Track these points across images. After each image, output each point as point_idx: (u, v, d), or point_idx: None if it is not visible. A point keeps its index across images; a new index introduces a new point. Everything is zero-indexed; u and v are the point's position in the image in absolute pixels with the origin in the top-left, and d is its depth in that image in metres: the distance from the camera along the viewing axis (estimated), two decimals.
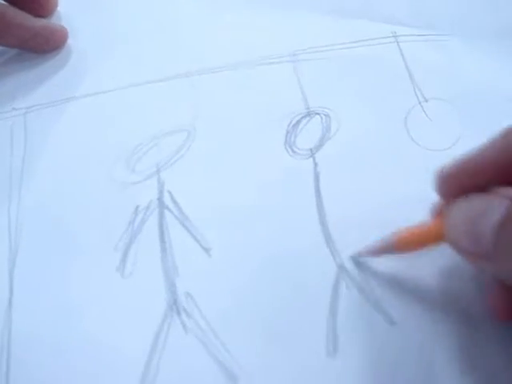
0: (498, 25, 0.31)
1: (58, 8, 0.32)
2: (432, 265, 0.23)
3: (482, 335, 0.21)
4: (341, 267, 0.23)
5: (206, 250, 0.24)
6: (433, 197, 0.22)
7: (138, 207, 0.25)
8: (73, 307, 0.23)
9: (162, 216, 0.25)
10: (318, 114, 0.28)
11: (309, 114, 0.28)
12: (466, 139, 0.27)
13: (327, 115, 0.28)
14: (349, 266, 0.23)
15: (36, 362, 0.22)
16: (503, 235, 0.16)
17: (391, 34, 0.31)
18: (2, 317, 0.23)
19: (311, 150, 0.27)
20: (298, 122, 0.28)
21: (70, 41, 0.31)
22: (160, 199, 0.25)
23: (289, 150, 0.27)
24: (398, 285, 0.23)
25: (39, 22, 0.29)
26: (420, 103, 0.28)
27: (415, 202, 0.24)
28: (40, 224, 0.25)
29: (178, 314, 0.22)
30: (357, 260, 0.23)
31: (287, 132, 0.27)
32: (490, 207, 0.17)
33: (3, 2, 0.29)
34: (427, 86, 0.29)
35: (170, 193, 0.25)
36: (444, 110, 0.28)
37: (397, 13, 0.32)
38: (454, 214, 0.19)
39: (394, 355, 0.22)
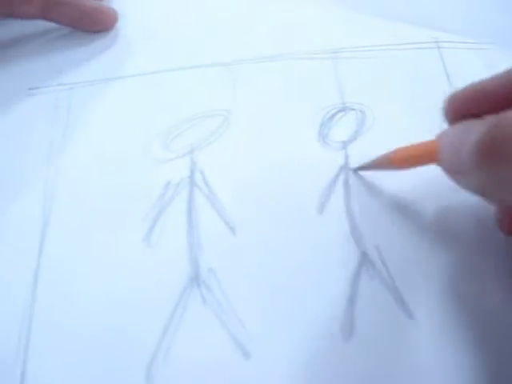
0: None
1: None
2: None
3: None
4: (364, 255, 0.24)
5: (232, 229, 0.25)
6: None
7: (169, 183, 0.26)
8: (99, 271, 0.24)
9: (191, 193, 0.26)
10: (353, 109, 0.29)
11: (344, 108, 0.29)
12: None
13: (362, 111, 0.28)
14: (372, 254, 0.24)
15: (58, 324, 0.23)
16: (479, 152, 0.17)
17: (433, 40, 0.31)
18: (28, 281, 0.24)
19: (344, 142, 0.27)
20: (334, 115, 0.28)
21: (119, 23, 0.32)
22: (191, 177, 0.26)
23: (321, 140, 0.27)
24: (421, 276, 0.23)
25: (90, 3, 0.30)
26: None
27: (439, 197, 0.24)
28: (75, 194, 0.26)
29: (199, 286, 0.23)
30: (357, 173, 0.26)
31: (321, 124, 0.28)
32: (473, 128, 0.18)
33: None
34: None
35: (201, 172, 0.26)
36: None
37: (439, 19, 0.32)
38: (446, 135, 0.21)
39: (408, 348, 0.22)
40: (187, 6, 0.33)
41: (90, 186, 0.26)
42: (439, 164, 0.21)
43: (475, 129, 0.18)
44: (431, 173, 0.24)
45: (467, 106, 0.21)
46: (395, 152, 0.24)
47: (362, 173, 0.26)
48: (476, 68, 0.30)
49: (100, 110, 0.29)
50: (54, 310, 0.23)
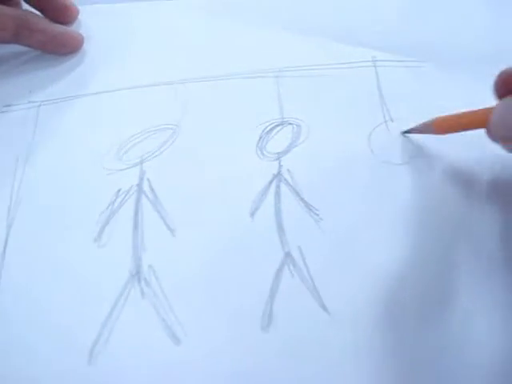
0: (474, 54, 0.35)
1: (80, 17, 0.37)
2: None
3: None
4: (287, 254, 0.27)
5: (172, 231, 0.28)
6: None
7: (119, 190, 0.30)
8: (55, 267, 0.27)
9: (138, 199, 0.29)
10: (290, 123, 0.32)
11: (282, 123, 0.32)
12: (423, 157, 0.30)
13: (298, 125, 0.32)
14: (295, 254, 0.27)
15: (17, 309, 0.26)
16: None
17: (371, 59, 0.35)
18: None
19: (278, 154, 0.31)
20: (272, 129, 0.32)
21: (85, 46, 0.36)
22: (139, 185, 0.30)
23: (258, 152, 0.31)
24: (338, 274, 0.26)
25: (58, 29, 0.34)
26: (386, 122, 0.32)
27: (368, 208, 0.28)
28: (37, 201, 0.30)
29: (139, 281, 0.27)
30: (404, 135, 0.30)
31: (260, 137, 0.31)
32: None
33: (31, 10, 0.35)
34: (395, 107, 0.33)
35: (148, 180, 0.30)
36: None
37: (378, 39, 0.36)
38: (500, 106, 0.24)
39: (322, 340, 0.25)
40: (146, 31, 0.37)
41: (51, 194, 0.30)
42: (489, 132, 0.25)
43: None
44: (360, 182, 0.28)
45: None
46: (442, 118, 0.28)
47: (299, 181, 0.29)
48: (408, 85, 0.34)
49: (63, 126, 0.33)
50: (16, 300, 0.26)
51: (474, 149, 0.29)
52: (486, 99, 0.32)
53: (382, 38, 0.36)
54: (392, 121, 0.32)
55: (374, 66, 0.35)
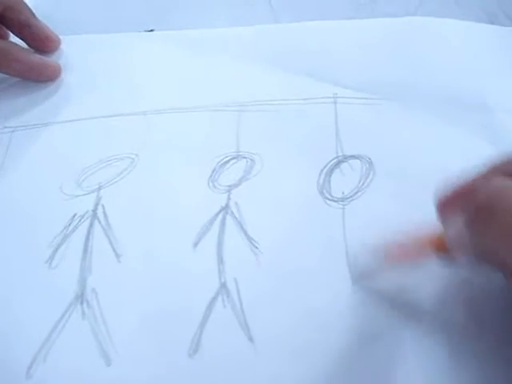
0: (431, 94, 0.37)
1: (62, 46, 0.40)
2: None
3: None
4: (223, 285, 0.29)
5: (118, 256, 0.31)
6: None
7: (75, 215, 0.32)
8: (6, 284, 0.30)
9: (92, 224, 0.32)
10: (244, 157, 0.34)
11: (237, 156, 0.35)
12: (369, 194, 0.32)
13: (252, 160, 0.34)
14: (230, 286, 0.29)
15: None
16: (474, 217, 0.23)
17: (332, 95, 0.37)
18: None
19: (229, 186, 0.33)
20: (226, 162, 0.34)
21: (63, 74, 0.39)
22: (94, 210, 0.33)
23: (210, 184, 0.33)
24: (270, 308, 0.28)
25: (36, 59, 0.38)
26: (337, 158, 0.34)
27: (307, 247, 0.30)
28: None
29: (82, 303, 0.29)
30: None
31: (214, 169, 0.34)
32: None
33: (10, 41, 0.38)
34: (350, 144, 0.35)
35: (103, 206, 0.33)
36: (358, 167, 0.34)
37: (341, 76, 0.38)
38: (449, 225, 0.25)
39: (246, 368, 0.27)
40: (120, 62, 0.40)
41: (12, 215, 0.33)
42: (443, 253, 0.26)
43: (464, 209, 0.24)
44: (304, 220, 0.30)
45: (456, 201, 0.26)
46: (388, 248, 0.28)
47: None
48: (365, 120, 0.36)
49: (32, 152, 0.36)
50: None
51: None
52: (439, 139, 0.34)
53: (344, 75, 0.38)
54: (344, 158, 0.34)
55: (334, 103, 0.37)
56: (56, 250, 0.31)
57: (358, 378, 0.26)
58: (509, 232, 0.22)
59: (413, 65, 0.38)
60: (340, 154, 0.34)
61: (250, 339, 0.28)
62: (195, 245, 0.31)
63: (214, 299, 0.29)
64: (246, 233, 0.31)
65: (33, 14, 0.39)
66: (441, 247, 0.26)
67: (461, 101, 0.37)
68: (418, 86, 0.37)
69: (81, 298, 0.30)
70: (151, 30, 0.42)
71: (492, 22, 0.41)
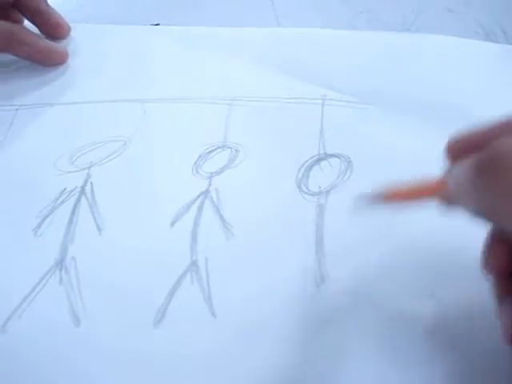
0: (416, 103, 0.39)
1: (71, 33, 0.44)
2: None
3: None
4: (193, 263, 0.32)
5: (99, 230, 0.33)
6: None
7: (64, 189, 0.35)
8: None
9: (79, 199, 0.35)
10: (229, 148, 0.37)
11: (223, 146, 0.37)
12: (344, 190, 0.35)
13: (237, 150, 0.37)
14: (200, 263, 0.32)
15: None
16: (478, 171, 0.22)
17: (320, 97, 0.39)
18: None
19: (212, 173, 0.36)
20: (212, 151, 0.37)
21: (70, 60, 0.42)
22: (83, 187, 0.35)
23: (194, 170, 0.36)
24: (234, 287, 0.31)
25: (44, 43, 0.41)
26: (319, 155, 0.36)
27: (275, 234, 0.32)
28: None
29: (60, 269, 0.32)
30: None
31: (199, 156, 0.36)
32: (471, 158, 0.23)
33: (22, 25, 0.42)
34: (332, 144, 0.37)
35: (91, 184, 0.35)
36: (337, 165, 0.36)
37: (332, 80, 0.40)
38: (450, 171, 0.25)
39: (204, 340, 0.29)
40: (123, 52, 0.43)
41: (6, 186, 0.36)
42: (442, 198, 0.26)
43: (472, 157, 0.23)
44: (277, 209, 0.32)
45: (465, 148, 0.25)
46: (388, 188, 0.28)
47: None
48: (349, 122, 0.38)
49: (32, 129, 0.39)
50: None
51: None
52: (418, 144, 0.36)
53: (335, 80, 0.40)
54: (326, 155, 0.36)
55: (322, 104, 0.39)
56: (43, 220, 0.34)
57: (310, 357, 0.28)
58: (509, 192, 0.21)
59: (401, 75, 0.40)
60: (322, 151, 0.36)
61: (213, 314, 0.30)
62: (172, 224, 0.33)
63: (183, 275, 0.31)
64: (221, 217, 0.34)
65: (46, 2, 0.42)
66: (442, 192, 0.26)
67: (444, 111, 0.38)
68: (404, 94, 0.39)
69: (60, 264, 0.32)
70: (157, 24, 0.45)
71: (487, 36, 0.42)
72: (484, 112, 0.38)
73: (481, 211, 0.23)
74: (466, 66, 0.41)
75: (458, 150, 0.26)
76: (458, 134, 0.26)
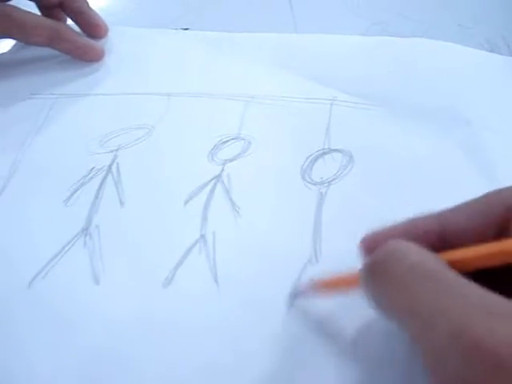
0: (421, 107, 0.43)
1: (109, 34, 0.49)
2: None
3: None
4: (202, 236, 0.36)
5: (121, 203, 0.38)
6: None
7: (93, 168, 0.40)
8: (28, 214, 0.38)
9: (105, 176, 0.40)
10: (243, 139, 0.41)
11: (237, 137, 0.41)
12: (344, 182, 0.39)
13: (250, 142, 0.41)
14: (208, 238, 0.36)
15: None
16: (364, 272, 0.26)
17: (331, 97, 0.44)
18: None
19: (225, 160, 0.40)
20: (226, 141, 0.41)
21: (105, 57, 0.48)
22: (109, 166, 0.40)
23: (210, 157, 0.40)
24: (237, 260, 0.35)
25: (83, 41, 0.46)
26: (323, 150, 0.40)
27: (284, 216, 0.36)
28: (33, 167, 0.41)
29: (85, 235, 0.37)
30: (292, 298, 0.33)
31: (215, 145, 0.41)
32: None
33: (64, 23, 0.47)
34: (336, 140, 0.41)
35: (117, 164, 0.40)
36: (340, 159, 0.40)
37: (343, 83, 0.44)
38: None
39: (207, 305, 0.33)
40: (154, 52, 0.48)
41: (42, 163, 0.41)
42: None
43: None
44: (282, 196, 0.37)
45: (376, 244, 0.27)
46: (319, 280, 0.31)
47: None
48: (354, 121, 0.42)
49: (68, 115, 0.44)
50: None
51: None
52: (419, 146, 0.40)
53: (346, 83, 0.45)
54: (330, 149, 0.40)
55: (331, 104, 0.43)
56: (73, 193, 0.39)
57: (307, 329, 0.32)
58: (395, 294, 0.24)
59: (409, 80, 0.44)
60: (326, 146, 0.41)
61: (216, 281, 0.34)
62: (186, 202, 0.38)
63: (192, 246, 0.36)
64: (230, 198, 0.38)
65: (87, 4, 0.48)
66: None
67: (447, 117, 0.42)
68: (409, 99, 0.43)
69: (85, 231, 0.37)
70: (186, 29, 0.50)
71: (492, 49, 0.46)
72: (482, 118, 0.42)
73: (375, 307, 0.26)
74: (470, 74, 0.45)
75: (370, 245, 0.28)
76: (371, 231, 0.29)
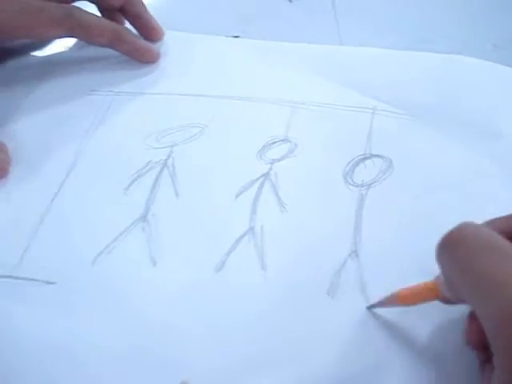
0: (457, 121, 0.46)
1: (165, 38, 0.53)
2: None
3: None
4: (251, 228, 0.40)
5: (177, 194, 0.42)
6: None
7: (150, 161, 0.44)
8: (92, 201, 0.42)
9: (161, 170, 0.43)
10: (290, 142, 0.45)
11: (284, 140, 0.45)
12: (383, 186, 0.42)
13: (296, 144, 0.45)
14: (257, 229, 0.40)
15: None
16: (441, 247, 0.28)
17: (372, 107, 0.47)
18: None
19: (273, 160, 0.44)
20: (275, 142, 0.45)
21: (161, 59, 0.52)
22: (166, 160, 0.44)
23: (258, 156, 0.44)
24: (282, 250, 0.38)
25: (141, 43, 0.50)
26: (364, 155, 0.44)
27: (327, 213, 0.40)
28: (92, 161, 0.45)
29: (143, 222, 0.40)
30: (370, 309, 0.35)
31: (264, 146, 0.45)
32: None
33: (124, 26, 0.52)
34: (377, 146, 0.44)
35: (173, 158, 0.44)
36: (380, 164, 0.43)
37: (383, 94, 0.48)
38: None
39: (255, 288, 0.37)
40: (205, 57, 0.52)
41: (104, 156, 0.45)
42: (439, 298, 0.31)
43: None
44: (326, 196, 0.40)
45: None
46: (400, 291, 0.32)
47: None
48: (394, 130, 0.46)
49: (126, 112, 0.48)
50: (71, 213, 0.41)
51: None
52: (453, 155, 0.43)
53: (386, 94, 0.48)
54: (370, 155, 0.44)
55: (373, 113, 0.47)
56: (133, 182, 0.43)
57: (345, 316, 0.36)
58: (466, 267, 0.26)
59: (446, 94, 0.48)
60: (367, 152, 0.44)
61: (263, 268, 0.38)
62: (237, 196, 0.42)
63: (242, 236, 0.39)
64: (277, 195, 0.41)
65: (145, 9, 0.52)
66: (436, 292, 0.30)
67: (481, 129, 0.45)
68: (446, 111, 0.47)
69: (144, 217, 0.41)
70: (236, 36, 0.54)
71: None
72: None
73: (452, 294, 0.28)
74: (504, 90, 0.48)
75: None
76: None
